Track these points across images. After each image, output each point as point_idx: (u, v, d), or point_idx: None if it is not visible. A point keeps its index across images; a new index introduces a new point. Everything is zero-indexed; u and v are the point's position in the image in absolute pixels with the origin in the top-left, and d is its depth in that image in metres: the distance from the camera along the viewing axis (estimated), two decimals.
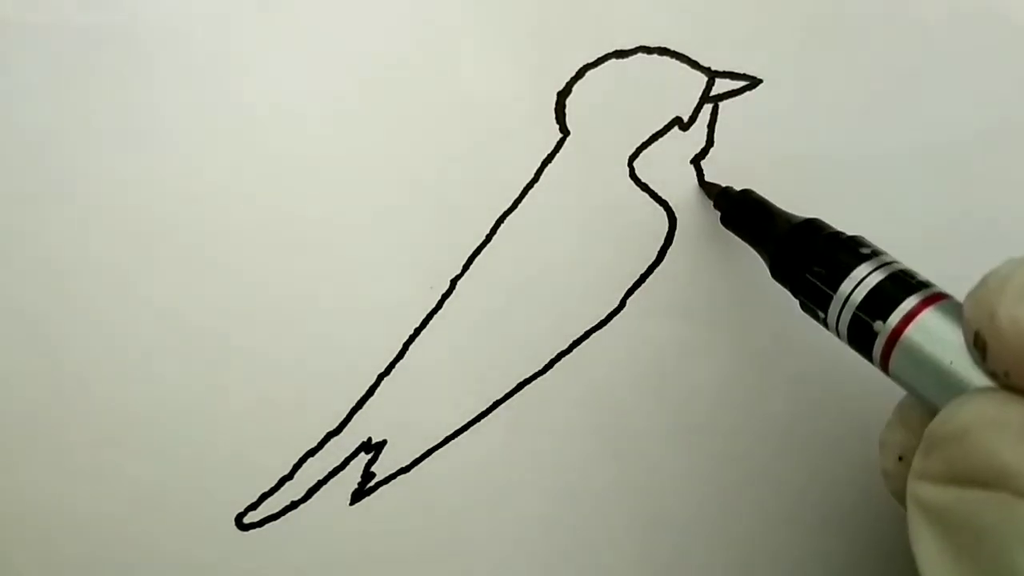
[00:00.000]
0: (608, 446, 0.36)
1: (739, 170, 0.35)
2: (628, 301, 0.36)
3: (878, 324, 0.27)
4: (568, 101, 0.34)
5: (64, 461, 0.34)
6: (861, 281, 0.28)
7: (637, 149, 0.35)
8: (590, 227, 0.35)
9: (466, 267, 0.35)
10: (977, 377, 0.24)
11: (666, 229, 0.35)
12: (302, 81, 0.33)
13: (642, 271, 0.35)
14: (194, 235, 0.34)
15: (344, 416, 0.35)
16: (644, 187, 0.35)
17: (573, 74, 0.34)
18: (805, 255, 0.30)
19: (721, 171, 0.35)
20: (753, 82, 0.35)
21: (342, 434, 0.35)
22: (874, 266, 0.28)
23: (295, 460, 0.35)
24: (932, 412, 0.24)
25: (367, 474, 0.35)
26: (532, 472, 0.36)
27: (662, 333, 0.36)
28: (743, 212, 0.34)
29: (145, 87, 0.33)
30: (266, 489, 0.35)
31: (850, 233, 0.30)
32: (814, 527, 0.37)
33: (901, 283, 0.27)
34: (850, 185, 0.36)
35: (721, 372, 0.36)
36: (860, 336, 0.28)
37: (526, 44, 0.34)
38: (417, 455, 0.35)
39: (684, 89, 0.35)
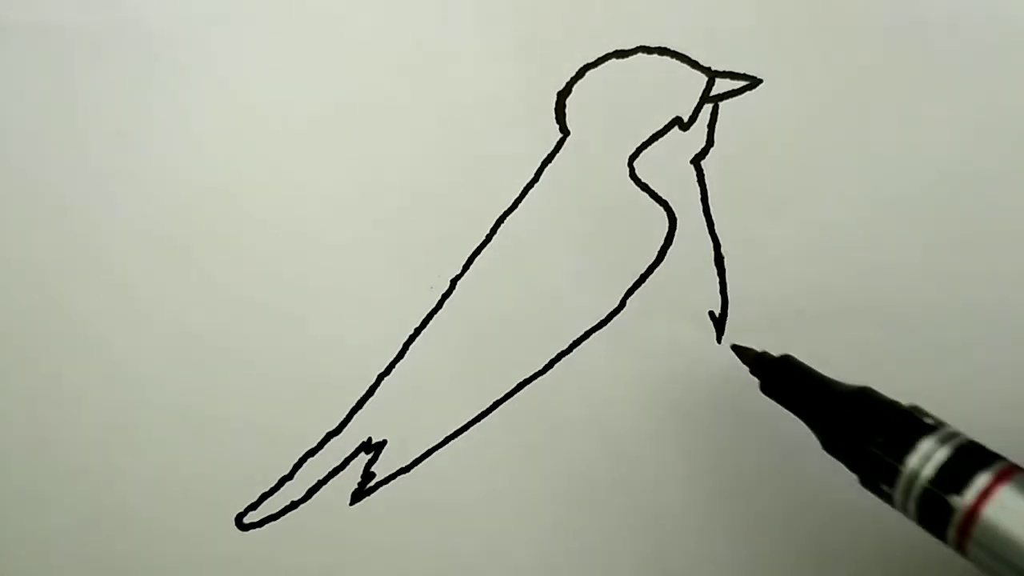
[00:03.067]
0: (608, 446, 0.36)
1: (739, 170, 0.35)
2: (628, 301, 0.35)
3: (953, 499, 0.26)
4: (568, 101, 0.34)
5: (64, 461, 0.34)
6: (931, 455, 0.27)
7: (637, 149, 0.35)
8: (590, 227, 0.35)
9: (466, 267, 0.35)
10: None
11: (666, 229, 0.35)
12: (302, 81, 0.33)
13: (642, 271, 0.35)
14: (194, 235, 0.34)
15: (344, 416, 0.35)
16: (644, 187, 0.35)
17: (573, 74, 0.34)
18: (864, 428, 0.29)
19: (721, 171, 0.35)
20: (753, 82, 0.35)
21: (342, 434, 0.35)
22: (941, 438, 0.27)
23: (295, 460, 0.35)
24: None
25: (367, 474, 0.35)
26: (532, 472, 0.36)
27: (662, 333, 0.36)
28: (786, 381, 0.32)
29: (145, 87, 0.33)
30: (266, 489, 0.35)
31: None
32: (814, 524, 0.37)
33: (972, 456, 0.27)
34: (850, 185, 0.36)
35: (721, 372, 0.36)
36: (932, 513, 0.27)
37: (526, 44, 0.34)
38: (417, 455, 0.35)
39: (684, 89, 0.35)
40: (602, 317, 0.35)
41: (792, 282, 0.36)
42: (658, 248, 0.35)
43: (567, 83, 0.34)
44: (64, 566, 0.34)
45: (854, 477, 0.29)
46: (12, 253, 0.33)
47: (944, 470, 0.27)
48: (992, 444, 0.36)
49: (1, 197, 0.33)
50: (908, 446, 0.28)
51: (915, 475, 0.27)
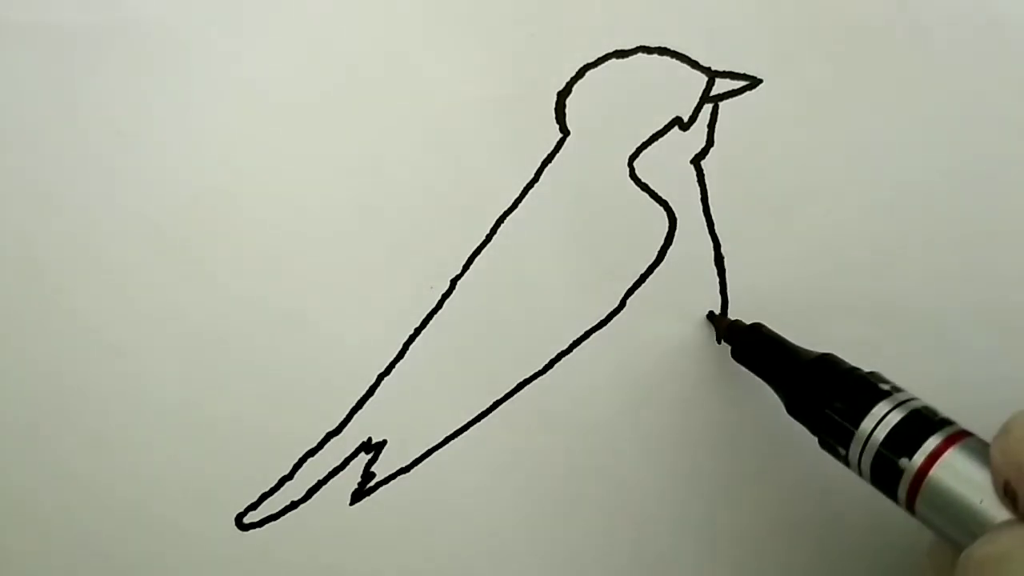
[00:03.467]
0: (608, 446, 0.36)
1: (739, 170, 0.35)
2: (628, 301, 0.35)
3: (903, 461, 0.27)
4: (568, 101, 0.34)
5: (64, 461, 0.34)
6: (883, 418, 0.28)
7: (637, 149, 0.35)
8: (590, 227, 0.35)
9: (466, 267, 0.35)
10: (1008, 517, 0.25)
11: (666, 229, 0.35)
12: (302, 81, 0.33)
13: (642, 271, 0.35)
14: (194, 235, 0.34)
15: (344, 416, 0.35)
16: (644, 187, 0.35)
17: (573, 74, 0.34)
18: (823, 392, 0.30)
19: (721, 171, 0.35)
20: (753, 82, 0.35)
21: (342, 434, 0.35)
22: (894, 403, 0.28)
23: (295, 460, 0.35)
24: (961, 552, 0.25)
25: (367, 474, 0.35)
26: (532, 472, 0.36)
27: (662, 333, 0.36)
28: (755, 348, 0.34)
29: (145, 87, 0.33)
30: (266, 489, 0.35)
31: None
32: (812, 526, 0.37)
33: (923, 421, 0.28)
34: (850, 184, 0.36)
35: (721, 372, 0.36)
36: (884, 474, 0.28)
37: (526, 44, 0.34)
38: (417, 455, 0.35)
39: (684, 89, 0.35)
40: (602, 317, 0.35)
41: (792, 282, 0.36)
42: (658, 248, 0.35)
43: (567, 83, 0.34)
44: (64, 566, 0.34)
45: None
46: (12, 252, 0.33)
47: (895, 433, 0.28)
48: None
49: (1, 197, 0.33)
50: (863, 410, 0.29)
51: (868, 438, 0.28)
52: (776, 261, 0.36)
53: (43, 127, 0.33)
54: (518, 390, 0.35)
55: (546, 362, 0.35)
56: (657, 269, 0.35)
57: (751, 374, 0.34)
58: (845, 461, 0.29)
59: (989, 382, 0.37)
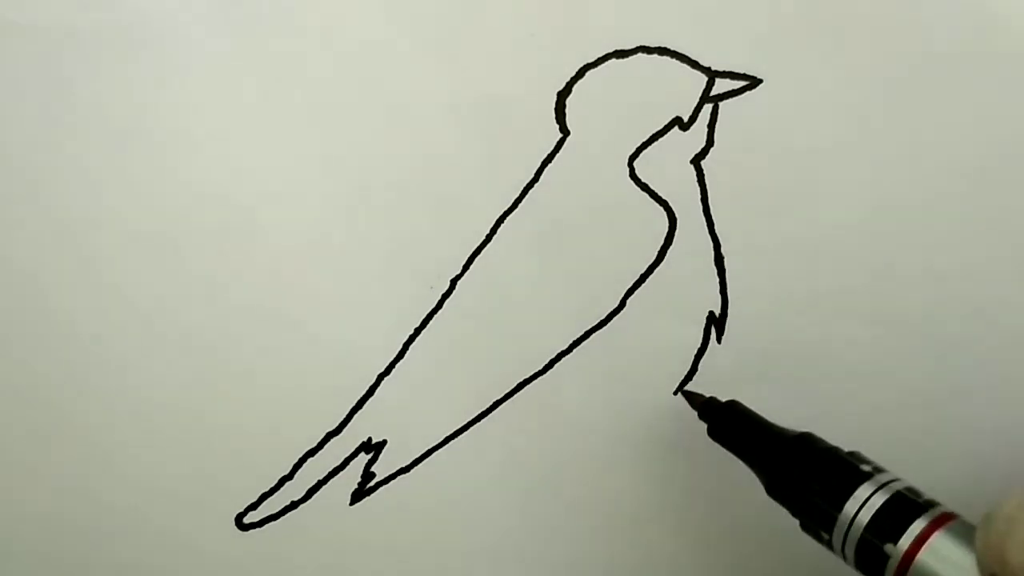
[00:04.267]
0: (608, 446, 0.36)
1: (739, 170, 0.35)
2: (628, 301, 0.35)
3: (888, 547, 0.27)
4: (568, 101, 0.34)
5: (64, 462, 0.34)
6: (866, 501, 0.28)
7: (637, 149, 0.35)
8: (590, 227, 0.35)
9: (466, 267, 0.35)
10: None
11: (666, 229, 0.35)
12: (302, 81, 0.33)
13: (642, 271, 0.35)
14: (194, 236, 0.34)
15: (344, 416, 0.35)
16: (644, 187, 0.35)
17: (573, 74, 0.34)
18: (803, 474, 0.30)
19: (721, 171, 0.35)
20: (753, 82, 0.35)
21: (342, 434, 0.35)
22: (877, 485, 0.28)
23: (295, 460, 0.35)
24: None
25: (367, 474, 0.35)
26: (532, 472, 0.36)
27: (662, 333, 0.36)
28: (731, 426, 0.33)
29: (144, 87, 0.33)
30: (266, 489, 0.35)
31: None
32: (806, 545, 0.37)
33: (907, 504, 0.27)
34: (850, 184, 0.36)
35: (721, 372, 0.36)
36: (869, 559, 0.27)
37: (526, 44, 0.34)
38: (417, 455, 0.35)
39: (684, 89, 0.35)
40: (602, 317, 0.35)
41: (792, 282, 0.36)
42: (658, 248, 0.35)
43: (567, 83, 0.34)
44: (64, 567, 0.34)
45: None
46: (10, 253, 0.33)
47: (879, 517, 0.27)
48: (989, 440, 0.36)
49: (0, 197, 0.33)
50: (845, 493, 0.28)
51: (851, 522, 0.28)
52: (776, 261, 0.36)
53: (41, 127, 0.33)
54: (518, 390, 0.35)
55: (546, 362, 0.35)
56: (657, 269, 0.35)
57: (700, 419, 0.34)
58: (828, 545, 0.29)
59: (989, 382, 0.37)
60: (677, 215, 0.35)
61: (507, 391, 0.35)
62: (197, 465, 0.34)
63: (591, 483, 0.36)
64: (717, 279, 0.36)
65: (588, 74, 0.34)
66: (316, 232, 0.34)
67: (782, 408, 0.36)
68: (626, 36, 0.34)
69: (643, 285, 0.35)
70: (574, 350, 0.35)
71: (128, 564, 0.34)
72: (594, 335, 0.35)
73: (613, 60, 0.34)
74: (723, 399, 0.34)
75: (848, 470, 0.29)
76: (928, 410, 0.37)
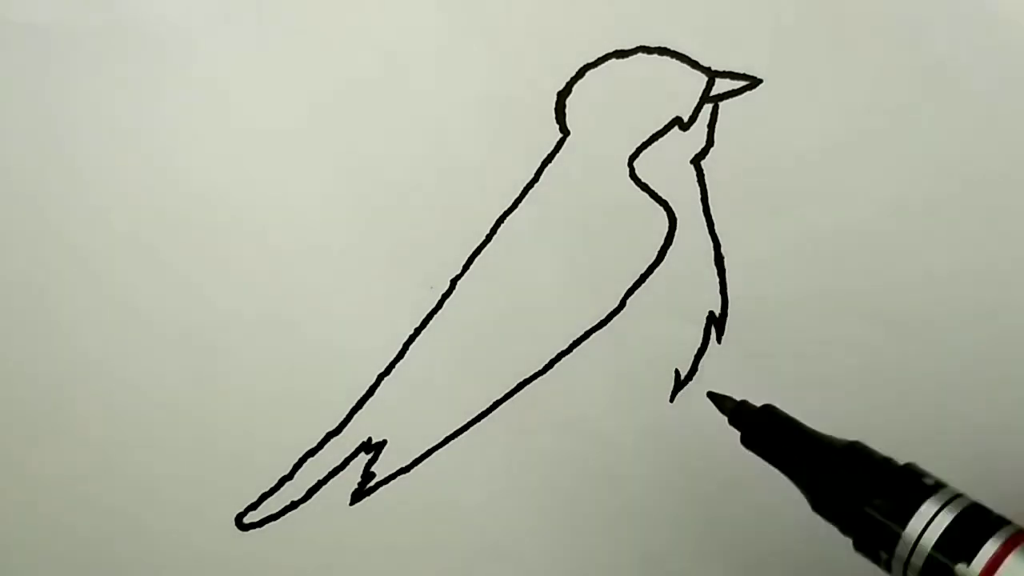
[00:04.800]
0: (608, 446, 0.36)
1: (739, 170, 0.35)
2: (628, 301, 0.35)
3: (961, 567, 0.25)
4: (568, 101, 0.35)
5: (64, 462, 0.34)
6: (933, 518, 0.26)
7: (637, 149, 0.35)
8: (590, 227, 0.35)
9: (466, 267, 0.35)
10: None
11: (666, 229, 0.35)
12: (302, 81, 0.33)
13: (642, 271, 0.35)
14: (194, 235, 0.34)
15: (344, 416, 0.35)
16: (644, 187, 0.35)
17: (573, 74, 0.34)
18: (859, 488, 0.27)
19: (721, 171, 0.35)
20: (753, 82, 0.35)
21: (342, 434, 0.35)
22: (943, 500, 0.26)
23: (295, 460, 0.35)
24: None
25: (367, 474, 0.35)
26: (532, 472, 0.36)
27: (662, 333, 0.36)
28: (769, 434, 0.30)
29: (145, 87, 0.33)
30: (266, 489, 0.35)
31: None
32: (814, 521, 0.37)
33: (978, 521, 0.25)
34: (850, 185, 0.36)
35: (721, 372, 0.36)
36: None
37: (526, 44, 0.34)
38: (417, 455, 0.35)
39: (684, 89, 0.35)
40: (602, 317, 0.35)
41: (792, 282, 0.36)
42: (658, 248, 0.35)
43: (567, 83, 0.34)
44: (64, 567, 0.34)
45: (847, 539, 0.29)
46: (10, 253, 0.33)
47: (948, 536, 0.25)
48: (993, 441, 0.36)
49: (1, 196, 0.33)
50: (909, 509, 0.26)
51: (917, 541, 0.26)
52: (776, 261, 0.36)
53: (41, 127, 0.33)
54: (518, 390, 0.35)
55: (546, 362, 0.35)
56: (657, 269, 0.35)
57: (730, 425, 0.33)
58: (887, 566, 0.27)
59: (989, 382, 0.37)
60: (677, 215, 0.35)
61: (507, 391, 0.35)
62: (197, 465, 0.34)
63: (591, 483, 0.36)
64: (717, 279, 0.36)
65: (588, 74, 0.34)
66: (316, 232, 0.34)
67: (781, 407, 0.36)
68: (626, 36, 0.34)
69: (643, 285, 0.35)
70: (574, 350, 0.35)
71: (128, 564, 0.34)
72: (594, 335, 0.35)
73: (613, 60, 0.34)
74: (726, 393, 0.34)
75: (912, 483, 0.27)
76: (928, 410, 0.37)
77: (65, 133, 0.33)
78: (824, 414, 0.37)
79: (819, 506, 0.28)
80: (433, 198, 0.34)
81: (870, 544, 0.27)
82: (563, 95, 0.34)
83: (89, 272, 0.33)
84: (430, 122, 0.34)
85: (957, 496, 0.26)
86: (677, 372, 0.36)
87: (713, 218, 0.36)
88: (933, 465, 0.37)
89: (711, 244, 0.36)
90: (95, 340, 0.33)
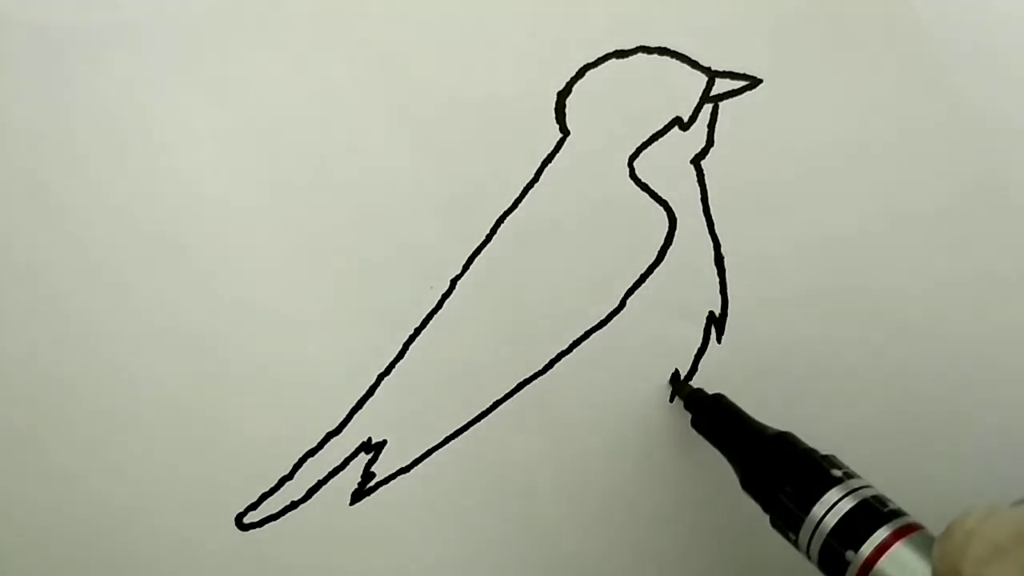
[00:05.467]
0: (608, 445, 0.36)
1: (739, 170, 0.35)
2: (628, 301, 0.35)
3: (850, 554, 0.27)
4: (568, 101, 0.34)
5: (64, 462, 0.34)
6: (833, 506, 0.28)
7: (637, 149, 0.35)
8: (590, 227, 0.35)
9: (466, 267, 0.35)
10: None
11: (666, 229, 0.35)
12: (301, 81, 0.33)
13: (642, 271, 0.35)
14: (194, 236, 0.34)
15: (344, 416, 0.35)
16: (644, 187, 0.35)
17: (573, 74, 0.34)
18: (777, 473, 0.30)
19: (721, 171, 0.35)
20: (753, 82, 0.35)
21: (342, 434, 0.35)
22: (845, 491, 0.29)
23: (295, 460, 0.35)
24: None
25: (367, 474, 0.35)
26: (532, 472, 0.36)
27: (662, 333, 0.36)
28: (714, 419, 0.34)
29: (144, 87, 0.33)
30: (266, 489, 0.35)
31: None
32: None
33: (872, 511, 0.28)
34: (849, 185, 0.36)
35: (721, 372, 0.36)
36: (831, 562, 0.28)
37: (526, 44, 0.34)
38: (417, 455, 0.35)
39: (684, 89, 0.35)
40: (602, 317, 0.35)
41: (792, 282, 0.36)
42: (658, 248, 0.35)
43: (567, 83, 0.34)
44: (65, 566, 0.34)
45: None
46: (10, 252, 0.33)
47: (845, 523, 0.28)
48: (987, 441, 0.36)
49: (0, 196, 0.33)
50: (815, 496, 0.29)
51: (817, 525, 0.29)
52: (776, 261, 0.36)
53: (43, 127, 0.33)
54: (518, 390, 0.35)
55: (546, 362, 0.35)
56: (657, 269, 0.35)
57: (685, 409, 0.34)
58: (795, 544, 0.30)
59: (988, 380, 0.37)
60: (677, 215, 0.35)
61: (507, 391, 0.35)
62: (197, 465, 0.34)
63: (591, 483, 0.36)
64: (717, 279, 0.36)
65: (588, 74, 0.34)
66: (316, 232, 0.34)
67: (781, 407, 0.36)
68: (626, 36, 0.34)
69: (643, 285, 0.35)
70: (574, 350, 0.35)
71: (128, 564, 0.34)
72: (594, 335, 0.35)
73: (613, 60, 0.34)
74: (727, 396, 0.34)
75: (819, 473, 0.30)
76: (927, 409, 0.37)
77: (65, 133, 0.33)
78: (823, 413, 0.37)
79: (745, 485, 0.32)
80: (433, 198, 0.34)
81: (782, 525, 0.30)
82: (563, 95, 0.34)
83: (88, 271, 0.33)
84: (430, 122, 0.34)
85: (862, 487, 0.29)
86: (677, 372, 0.36)
87: (713, 218, 0.36)
88: (932, 460, 0.37)
89: (711, 244, 0.36)
90: (95, 340, 0.33)
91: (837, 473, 0.29)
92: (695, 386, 0.36)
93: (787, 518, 0.30)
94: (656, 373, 0.36)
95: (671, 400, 0.36)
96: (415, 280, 0.35)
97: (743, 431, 0.33)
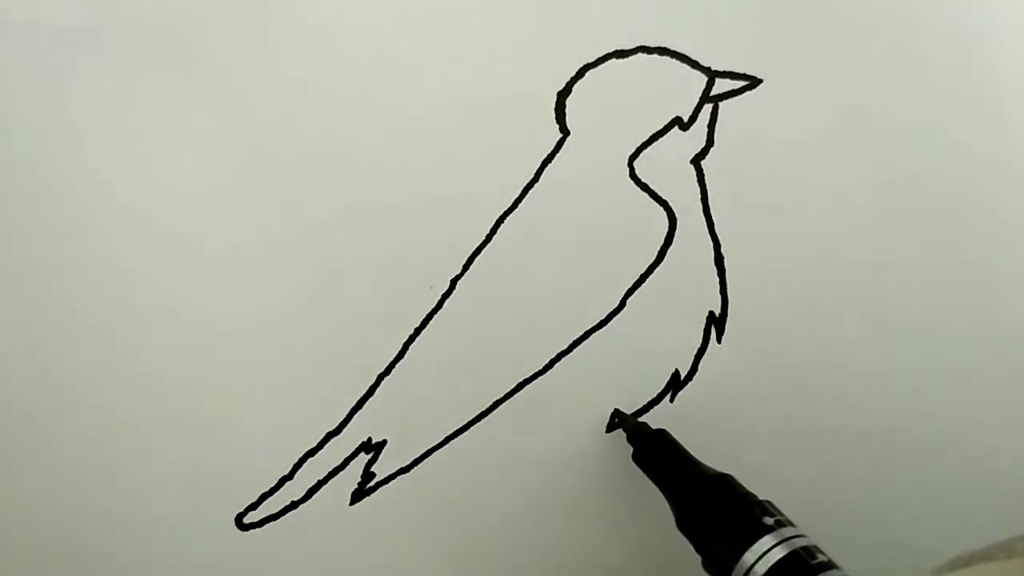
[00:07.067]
0: (607, 445, 0.36)
1: (739, 170, 0.35)
2: (628, 301, 0.36)
3: None
4: (568, 101, 0.34)
5: (64, 461, 0.34)
6: (764, 554, 0.29)
7: (637, 149, 0.35)
8: (590, 227, 0.35)
9: (466, 267, 0.35)
10: None
11: (666, 229, 0.35)
12: (301, 81, 0.33)
13: (642, 271, 0.35)
14: (194, 235, 0.34)
15: (344, 416, 0.35)
16: (644, 187, 0.35)
17: (573, 74, 0.34)
18: (711, 516, 0.31)
19: (721, 171, 0.35)
20: (753, 82, 0.35)
21: (342, 434, 0.35)
22: (777, 539, 0.29)
23: (295, 460, 0.35)
24: None
25: (367, 474, 0.35)
26: (532, 472, 0.36)
27: (662, 333, 0.36)
28: (655, 455, 0.34)
29: (145, 87, 0.33)
30: (266, 489, 0.35)
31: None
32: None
33: (801, 563, 0.28)
34: (850, 185, 0.36)
35: (721, 372, 0.36)
36: None
37: (526, 44, 0.34)
38: (417, 455, 0.35)
39: (684, 89, 0.35)
40: (602, 317, 0.35)
41: (792, 282, 0.36)
42: (658, 248, 0.35)
43: (567, 83, 0.34)
44: (64, 566, 0.34)
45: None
46: (12, 252, 0.33)
47: (774, 572, 0.28)
48: (993, 440, 0.36)
49: (1, 196, 0.33)
50: (746, 543, 0.29)
51: (747, 573, 0.29)
52: (776, 261, 0.36)
53: (42, 127, 0.33)
54: (518, 390, 0.35)
55: (546, 362, 0.35)
56: (657, 269, 0.35)
57: (628, 442, 0.34)
58: None
59: (988, 381, 0.37)
60: (677, 215, 0.35)
61: (507, 391, 0.35)
62: (197, 465, 0.34)
63: (591, 483, 0.36)
64: (717, 279, 0.36)
65: (588, 74, 0.34)
66: (316, 231, 0.34)
67: (781, 407, 0.36)
68: (626, 36, 0.34)
69: (643, 285, 0.35)
70: (574, 350, 0.35)
71: (128, 564, 0.34)
72: (594, 335, 0.35)
73: (613, 60, 0.34)
74: (727, 396, 0.34)
75: (751, 520, 0.30)
76: (926, 408, 0.37)
77: (65, 133, 0.33)
78: (822, 413, 0.37)
79: (680, 525, 0.32)
80: (433, 198, 0.34)
81: (713, 569, 0.30)
82: (563, 95, 0.34)
83: (89, 271, 0.33)
84: (429, 122, 0.34)
85: (794, 536, 0.29)
86: (677, 372, 0.36)
87: (713, 218, 0.36)
88: (933, 463, 0.37)
89: (711, 244, 0.36)
90: (95, 339, 0.33)
91: (769, 521, 0.29)
92: (701, 391, 0.35)
93: (718, 563, 0.30)
94: (656, 373, 0.36)
95: (671, 400, 0.36)
96: (415, 280, 0.35)
97: (682, 470, 0.33)
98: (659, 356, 0.36)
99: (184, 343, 0.34)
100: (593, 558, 0.36)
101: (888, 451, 0.37)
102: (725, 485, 0.31)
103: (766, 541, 0.29)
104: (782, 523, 0.29)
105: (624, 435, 0.35)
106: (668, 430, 0.35)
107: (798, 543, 0.29)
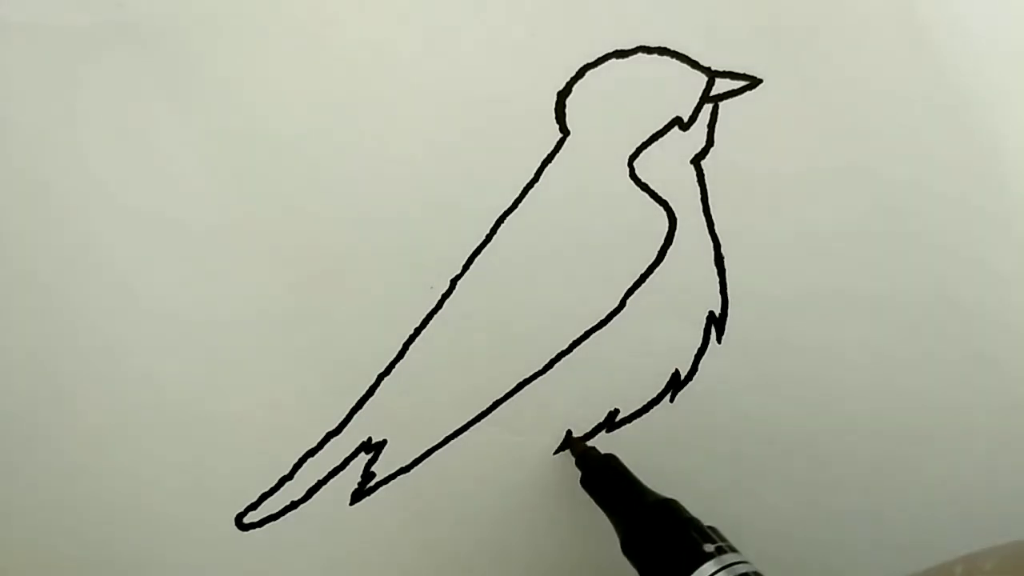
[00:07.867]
0: (608, 445, 0.36)
1: (739, 170, 0.35)
2: (628, 301, 0.35)
3: None
4: (568, 101, 0.34)
5: (64, 461, 0.34)
6: None
7: (637, 149, 0.35)
8: (590, 227, 0.35)
9: (466, 267, 0.35)
10: None
11: (666, 229, 0.35)
12: (301, 81, 0.33)
13: (642, 271, 0.35)
14: (194, 235, 0.34)
15: (344, 416, 0.35)
16: (644, 187, 0.35)
17: (573, 74, 0.34)
18: (655, 541, 0.31)
19: (721, 171, 0.35)
20: (753, 82, 0.35)
21: (342, 434, 0.35)
22: (719, 566, 0.29)
23: (295, 460, 0.35)
24: None
25: (367, 474, 0.35)
26: (532, 472, 0.36)
27: (662, 333, 0.36)
28: (602, 479, 0.34)
29: (145, 87, 0.33)
30: (266, 489, 0.35)
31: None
32: (812, 537, 0.37)
33: None
34: (850, 184, 0.36)
35: (721, 372, 0.36)
36: None
37: (526, 44, 0.34)
38: (417, 455, 0.35)
39: (684, 89, 0.35)
40: (602, 317, 0.35)
41: (792, 282, 0.36)
42: (658, 248, 0.35)
43: (567, 83, 0.34)
44: (64, 566, 0.34)
45: None
46: (11, 253, 0.33)
47: None
48: (993, 440, 0.36)
49: (1, 197, 0.33)
50: (687, 570, 0.29)
51: None
52: (776, 261, 0.36)
53: (43, 127, 0.33)
54: (518, 390, 0.35)
55: (546, 362, 0.35)
56: (657, 269, 0.35)
57: (576, 466, 0.34)
58: None
59: (988, 381, 0.37)
60: (677, 215, 0.35)
61: (507, 391, 0.35)
62: (197, 464, 0.34)
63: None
64: (717, 279, 0.36)
65: (588, 74, 0.34)
66: (316, 231, 0.34)
67: (781, 407, 0.36)
68: (626, 36, 0.34)
69: (643, 285, 0.35)
70: (574, 350, 0.35)
71: (128, 564, 0.34)
72: (594, 335, 0.35)
73: (613, 60, 0.34)
74: (727, 397, 0.34)
75: (693, 546, 0.30)
76: (925, 408, 0.37)
77: (65, 133, 0.33)
78: (822, 413, 0.37)
79: (625, 550, 0.32)
80: (433, 198, 0.34)
81: None
82: (563, 95, 0.34)
83: (90, 271, 0.33)
84: (429, 122, 0.34)
85: (735, 563, 0.29)
86: (677, 372, 0.36)
87: (713, 218, 0.36)
88: (933, 464, 0.37)
89: (711, 244, 0.36)
90: (95, 339, 0.33)
91: (710, 548, 0.30)
92: (697, 395, 0.35)
93: None
94: (656, 373, 0.36)
95: (671, 400, 0.36)
96: (415, 280, 0.35)
97: (628, 494, 0.33)
98: (659, 356, 0.36)
99: (184, 343, 0.34)
100: (595, 555, 0.36)
101: (888, 451, 0.37)
102: (669, 511, 0.31)
103: (707, 568, 0.29)
104: (723, 550, 0.30)
105: (623, 433, 0.35)
106: (666, 431, 0.35)
107: (739, 569, 0.29)
